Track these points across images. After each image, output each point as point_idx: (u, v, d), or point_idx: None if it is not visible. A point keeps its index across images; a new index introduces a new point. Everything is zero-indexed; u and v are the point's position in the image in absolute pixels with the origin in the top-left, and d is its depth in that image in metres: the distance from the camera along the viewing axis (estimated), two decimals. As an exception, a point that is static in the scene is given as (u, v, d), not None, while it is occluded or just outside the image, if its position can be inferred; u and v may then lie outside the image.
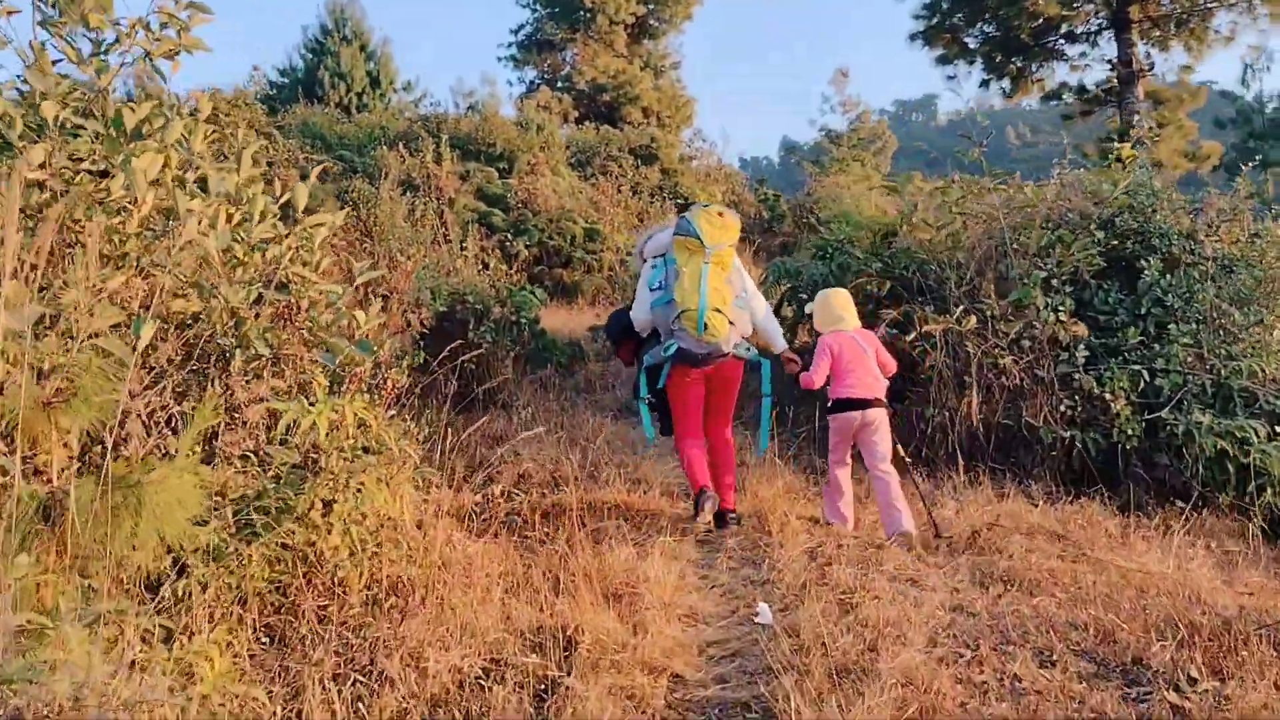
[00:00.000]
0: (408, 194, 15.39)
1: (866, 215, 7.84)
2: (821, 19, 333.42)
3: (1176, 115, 19.08)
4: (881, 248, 6.36)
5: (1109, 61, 18.86)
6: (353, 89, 22.68)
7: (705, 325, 4.66)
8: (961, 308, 5.28)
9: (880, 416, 4.86)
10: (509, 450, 5.75)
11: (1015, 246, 5.60)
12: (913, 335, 5.30)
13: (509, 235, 15.08)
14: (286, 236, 3.85)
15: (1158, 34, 18.55)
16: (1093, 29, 19.27)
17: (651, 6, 29.70)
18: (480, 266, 13.59)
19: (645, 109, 28.33)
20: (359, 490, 3.42)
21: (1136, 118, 16.53)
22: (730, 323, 4.77)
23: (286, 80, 23.42)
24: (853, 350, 4.93)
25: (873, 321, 5.64)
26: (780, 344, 5.18)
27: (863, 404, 4.84)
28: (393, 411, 4.05)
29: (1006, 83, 20.49)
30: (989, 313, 5.29)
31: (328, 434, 3.43)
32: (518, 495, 4.96)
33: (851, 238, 6.72)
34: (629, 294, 13.41)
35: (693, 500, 4.79)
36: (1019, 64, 20.07)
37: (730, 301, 4.80)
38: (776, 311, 7.37)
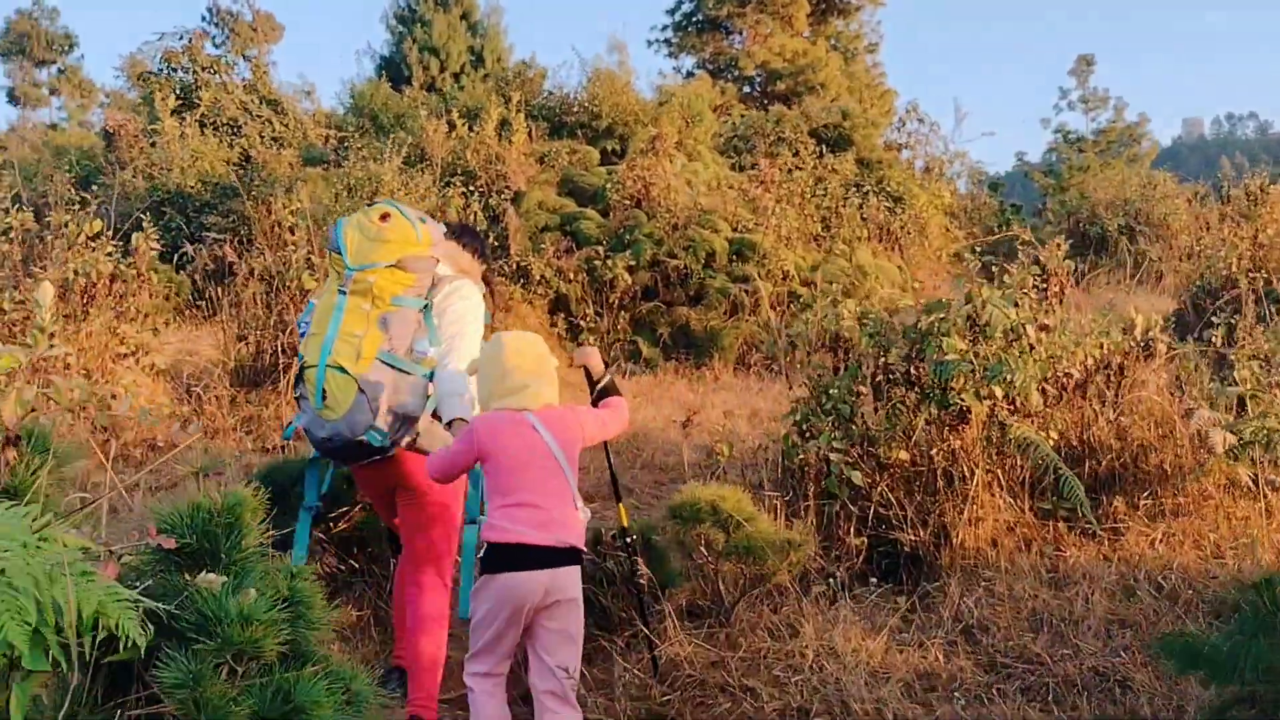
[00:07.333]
0: (455, 182, 9.72)
1: None
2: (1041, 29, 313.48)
3: None
4: None
5: None
6: (448, 67, 17.55)
7: (324, 393, 2.85)
8: None
9: (571, 585, 2.51)
10: None
11: None
12: None
13: (604, 251, 9.04)
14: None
15: None
16: None
17: (843, -27, 23.34)
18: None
19: (832, 100, 21.92)
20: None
21: None
22: (361, 390, 2.83)
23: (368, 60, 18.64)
24: (526, 449, 2.52)
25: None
26: (454, 409, 2.87)
27: (543, 557, 2.44)
28: None
29: None
30: None
31: None
32: None
33: None
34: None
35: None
36: None
37: (372, 356, 2.87)
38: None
